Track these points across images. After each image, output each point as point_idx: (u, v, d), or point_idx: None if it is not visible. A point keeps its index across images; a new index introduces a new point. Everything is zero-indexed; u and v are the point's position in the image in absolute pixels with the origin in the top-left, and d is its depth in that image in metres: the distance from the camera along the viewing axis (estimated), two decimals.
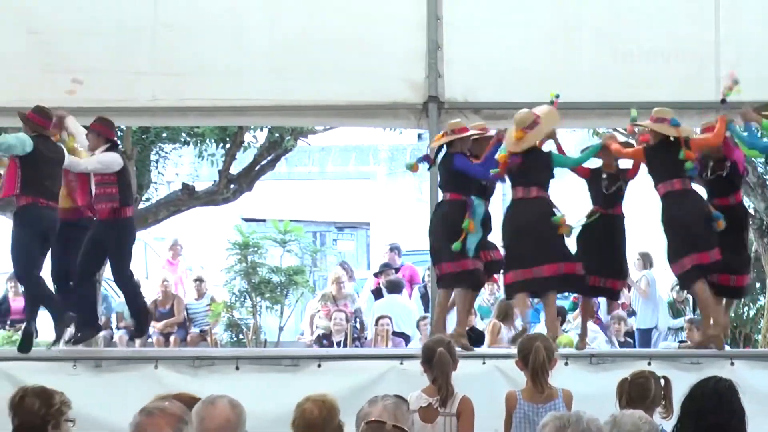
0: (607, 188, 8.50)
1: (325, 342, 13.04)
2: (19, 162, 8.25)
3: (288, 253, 14.39)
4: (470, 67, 9.44)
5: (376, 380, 7.73)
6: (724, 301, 8.71)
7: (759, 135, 8.55)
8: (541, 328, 9.38)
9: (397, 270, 13.90)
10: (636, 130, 8.64)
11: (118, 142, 13.60)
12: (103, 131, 8.71)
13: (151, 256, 18.69)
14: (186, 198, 14.68)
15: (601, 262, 8.39)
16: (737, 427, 4.81)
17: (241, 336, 14.09)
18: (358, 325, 13.43)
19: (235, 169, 14.98)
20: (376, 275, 14.27)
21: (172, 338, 14.02)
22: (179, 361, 8.14)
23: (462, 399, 6.27)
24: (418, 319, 12.59)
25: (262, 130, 14.82)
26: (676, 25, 9.33)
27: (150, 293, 14.46)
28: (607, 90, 9.32)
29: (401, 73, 9.43)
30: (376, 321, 12.65)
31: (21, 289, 10.71)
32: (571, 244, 8.43)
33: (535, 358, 6.29)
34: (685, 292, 8.59)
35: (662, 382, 5.98)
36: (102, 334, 12.26)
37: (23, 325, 8.98)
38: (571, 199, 8.75)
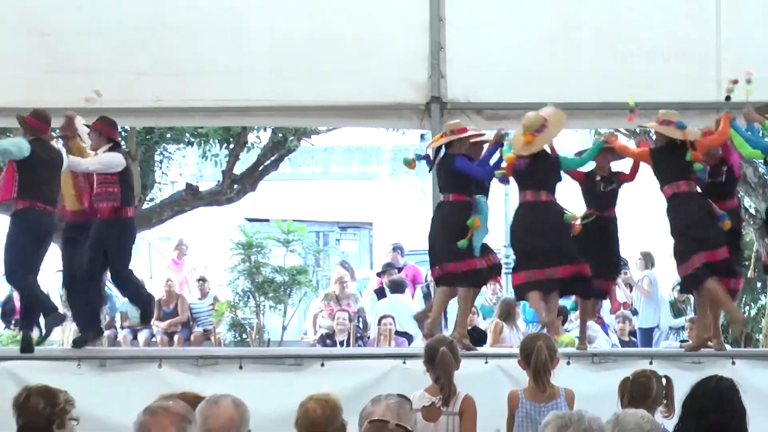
0: (604, 188, 8.55)
1: (328, 341, 13.06)
2: (17, 166, 8.25)
3: (291, 252, 14.42)
4: (472, 67, 9.45)
5: (379, 379, 7.75)
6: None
7: (761, 135, 8.59)
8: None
9: (399, 270, 13.92)
10: (637, 130, 8.69)
11: (122, 141, 13.75)
12: (105, 131, 8.71)
13: (155, 255, 18.72)
14: (190, 198, 14.70)
15: (596, 263, 8.42)
16: (738, 426, 4.84)
17: (244, 335, 14.11)
18: (361, 325, 13.46)
19: (238, 169, 15.00)
20: (378, 275, 14.28)
21: (175, 338, 14.05)
22: (183, 360, 8.16)
23: (464, 398, 6.28)
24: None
25: (265, 130, 14.83)
26: (677, 25, 9.34)
27: (154, 293, 14.51)
28: (608, 90, 9.33)
29: (404, 73, 9.45)
30: (379, 320, 12.66)
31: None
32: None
33: (538, 358, 6.30)
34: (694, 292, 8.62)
35: (664, 381, 5.97)
36: (106, 333, 12.30)
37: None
38: (563, 202, 8.75)
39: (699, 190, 8.41)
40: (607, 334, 12.78)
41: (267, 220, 17.27)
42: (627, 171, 8.88)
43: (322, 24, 9.41)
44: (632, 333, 13.64)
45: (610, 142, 8.73)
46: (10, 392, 5.17)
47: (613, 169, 8.82)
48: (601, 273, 8.54)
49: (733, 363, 7.94)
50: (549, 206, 8.33)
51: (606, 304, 13.66)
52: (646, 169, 8.65)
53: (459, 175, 8.38)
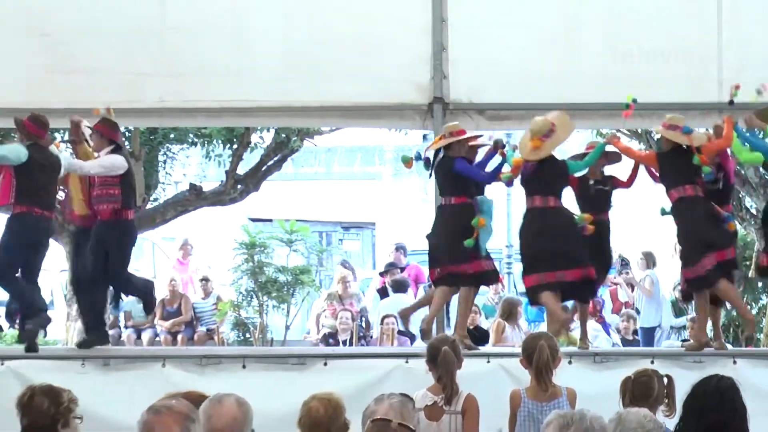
0: (596, 191, 8.59)
1: (331, 341, 13.07)
2: (14, 171, 8.24)
3: (294, 252, 14.44)
4: (475, 68, 9.48)
5: (382, 379, 7.75)
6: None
7: (763, 138, 8.62)
8: (543, 326, 9.44)
9: (402, 269, 13.92)
10: (639, 130, 8.72)
11: (126, 142, 13.77)
12: (106, 133, 8.69)
13: (158, 255, 18.77)
14: (193, 198, 14.75)
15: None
16: (739, 425, 4.85)
17: (247, 335, 14.14)
18: (363, 324, 13.48)
19: (242, 169, 15.05)
20: (381, 274, 14.29)
21: (179, 337, 14.08)
22: (187, 359, 8.16)
23: (467, 397, 6.28)
24: (423, 318, 12.61)
25: (268, 131, 14.87)
26: (679, 25, 9.36)
27: (158, 293, 14.55)
28: (610, 91, 9.33)
29: (406, 74, 9.47)
30: (382, 320, 12.68)
31: None
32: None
33: (540, 357, 6.30)
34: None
35: (665, 380, 5.99)
36: (110, 332, 12.32)
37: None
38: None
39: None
40: (608, 333, 12.79)
41: (270, 220, 17.27)
42: (621, 176, 8.92)
43: (325, 25, 9.44)
44: (636, 332, 13.67)
45: (614, 143, 8.75)
46: (15, 391, 5.13)
47: (606, 173, 8.86)
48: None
49: (734, 362, 7.96)
50: (557, 211, 8.36)
51: (607, 303, 13.72)
52: (644, 172, 8.68)
53: (459, 178, 8.40)
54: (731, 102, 8.48)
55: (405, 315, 9.26)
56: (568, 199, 8.78)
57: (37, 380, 5.52)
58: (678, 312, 13.89)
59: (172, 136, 15.03)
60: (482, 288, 9.83)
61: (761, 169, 13.07)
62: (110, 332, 12.25)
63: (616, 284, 14.73)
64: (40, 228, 8.34)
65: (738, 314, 9.14)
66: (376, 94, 9.49)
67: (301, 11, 9.48)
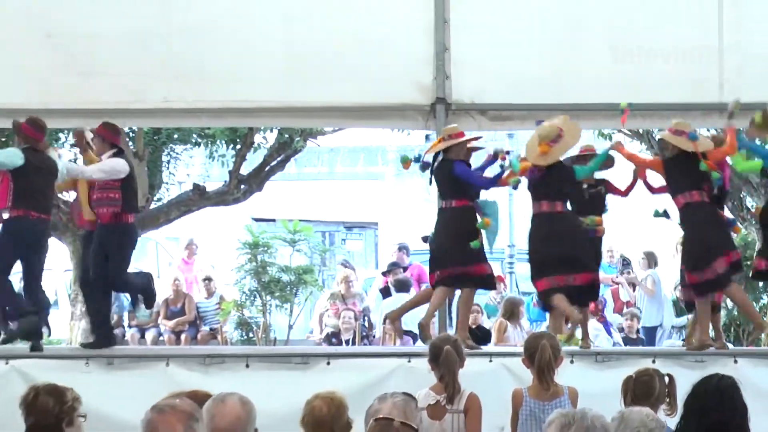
0: (589, 195, 8.62)
1: (334, 340, 13.12)
2: (11, 174, 8.24)
3: (297, 252, 14.48)
4: (477, 69, 9.48)
5: (385, 378, 7.75)
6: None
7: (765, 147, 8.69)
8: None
9: (405, 269, 13.94)
10: (641, 131, 8.73)
11: (130, 143, 13.80)
12: (108, 136, 8.69)
13: (162, 255, 18.80)
14: (197, 198, 14.79)
15: None
16: (740, 424, 4.85)
17: (251, 334, 14.18)
18: (366, 324, 13.52)
19: (245, 169, 15.09)
20: (384, 274, 14.30)
21: (183, 336, 14.12)
22: (190, 358, 8.16)
23: (469, 396, 6.30)
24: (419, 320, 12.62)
25: (272, 131, 14.91)
26: (680, 26, 9.35)
27: (161, 292, 14.59)
28: (613, 91, 9.34)
29: (409, 75, 9.48)
30: (385, 319, 12.70)
31: None
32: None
33: (542, 356, 6.31)
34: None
35: (666, 379, 5.99)
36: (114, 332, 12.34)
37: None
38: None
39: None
40: (610, 333, 12.81)
41: (273, 220, 17.33)
42: (620, 182, 8.93)
43: (327, 26, 9.44)
44: (639, 330, 13.69)
45: (618, 150, 8.75)
46: (19, 390, 5.11)
47: (599, 177, 8.89)
48: None
49: (735, 361, 7.96)
50: (564, 216, 8.39)
51: (609, 303, 13.74)
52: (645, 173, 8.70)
53: (458, 181, 8.42)
54: (731, 115, 8.47)
55: (393, 319, 9.24)
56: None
57: (42, 379, 5.52)
58: (679, 312, 13.91)
59: (175, 136, 15.07)
60: None
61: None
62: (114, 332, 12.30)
63: (617, 284, 14.77)
64: (36, 231, 8.34)
65: (743, 315, 9.15)
66: (379, 95, 9.49)
67: (304, 12, 9.48)
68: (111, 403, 7.44)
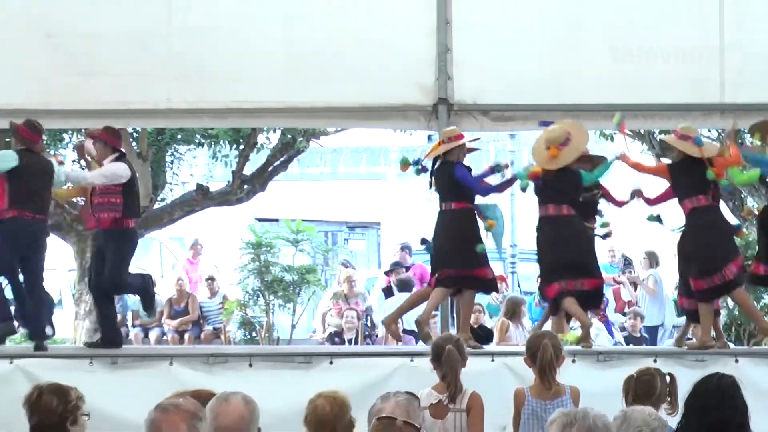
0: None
1: (336, 339, 13.14)
2: (6, 176, 8.25)
3: (300, 252, 14.51)
4: (479, 69, 9.49)
5: (387, 377, 7.76)
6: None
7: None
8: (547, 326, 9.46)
9: (407, 269, 13.97)
10: (642, 131, 8.74)
11: (134, 143, 13.84)
12: (110, 141, 8.69)
13: (165, 255, 18.83)
14: (200, 198, 14.83)
15: None
16: (740, 423, 4.85)
17: (254, 334, 14.20)
18: (369, 323, 13.54)
19: (248, 169, 15.12)
20: (386, 274, 14.33)
21: (186, 336, 14.15)
22: (194, 358, 8.17)
23: (472, 395, 6.31)
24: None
25: (275, 131, 14.94)
26: (681, 27, 9.35)
27: (165, 292, 14.63)
28: (614, 92, 9.37)
29: (411, 75, 9.49)
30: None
31: None
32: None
33: (543, 356, 6.32)
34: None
35: (668, 379, 6.01)
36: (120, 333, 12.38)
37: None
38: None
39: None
40: (611, 332, 12.81)
41: (276, 220, 17.36)
42: (617, 182, 8.97)
43: (330, 27, 9.45)
44: (642, 330, 13.70)
45: (624, 161, 8.76)
46: (24, 389, 5.13)
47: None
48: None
49: (737, 361, 7.97)
50: (570, 220, 8.40)
51: (611, 302, 13.73)
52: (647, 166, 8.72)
53: (458, 184, 8.42)
54: (730, 136, 8.46)
55: (389, 323, 9.24)
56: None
57: (46, 379, 5.54)
58: (680, 311, 13.91)
59: (179, 136, 15.12)
60: None
61: None
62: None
63: (619, 283, 14.78)
64: (32, 231, 8.34)
65: (749, 318, 9.17)
66: (381, 95, 9.50)
67: (307, 13, 9.49)
68: (115, 402, 7.44)
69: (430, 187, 8.70)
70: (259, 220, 18.48)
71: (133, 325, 14.50)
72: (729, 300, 10.21)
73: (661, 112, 9.70)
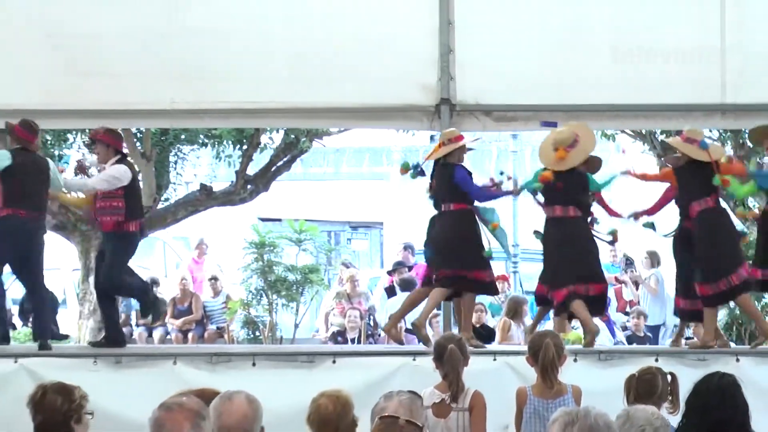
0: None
1: (339, 339, 13.16)
2: (0, 176, 8.29)
3: (303, 252, 14.53)
4: (481, 70, 9.53)
5: (390, 376, 7.76)
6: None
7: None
8: (549, 325, 9.48)
9: (410, 268, 13.98)
10: (643, 131, 8.74)
11: (138, 143, 13.86)
12: (112, 143, 8.72)
13: (169, 254, 18.86)
14: (204, 198, 14.86)
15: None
16: (741, 422, 4.88)
17: (257, 333, 14.23)
18: (371, 323, 13.56)
19: (251, 170, 15.15)
20: (389, 273, 14.35)
21: (190, 335, 14.18)
22: (197, 357, 8.18)
23: (474, 394, 6.32)
24: (430, 316, 12.66)
25: (278, 131, 14.96)
26: (683, 27, 9.39)
27: (169, 291, 14.66)
28: (616, 93, 9.40)
29: (414, 76, 9.53)
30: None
31: None
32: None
33: (545, 355, 6.34)
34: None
35: (669, 378, 6.02)
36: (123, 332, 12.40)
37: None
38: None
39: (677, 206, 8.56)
40: (612, 331, 12.81)
41: (279, 220, 17.35)
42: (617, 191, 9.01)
43: (333, 27, 9.48)
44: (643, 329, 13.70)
45: (630, 174, 8.79)
46: (28, 388, 5.15)
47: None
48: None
49: (737, 360, 7.97)
50: (576, 221, 8.44)
51: (612, 302, 13.72)
52: (648, 166, 8.73)
53: (458, 185, 8.44)
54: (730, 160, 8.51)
55: (389, 329, 9.24)
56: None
57: (50, 378, 5.54)
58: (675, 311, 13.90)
59: (182, 137, 15.14)
60: None
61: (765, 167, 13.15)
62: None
63: (621, 282, 14.79)
64: (26, 229, 8.36)
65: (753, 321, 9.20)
66: (384, 96, 9.54)
67: (310, 14, 9.53)
68: (119, 401, 7.47)
69: (430, 189, 8.70)
70: (263, 219, 18.47)
71: (137, 325, 14.53)
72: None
73: (662, 113, 9.73)
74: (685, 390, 5.23)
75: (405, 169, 8.83)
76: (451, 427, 6.24)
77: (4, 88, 9.52)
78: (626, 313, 14.47)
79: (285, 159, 15.26)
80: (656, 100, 9.30)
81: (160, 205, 14.90)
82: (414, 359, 7.93)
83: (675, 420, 5.26)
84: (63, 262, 15.51)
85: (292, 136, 14.91)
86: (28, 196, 8.37)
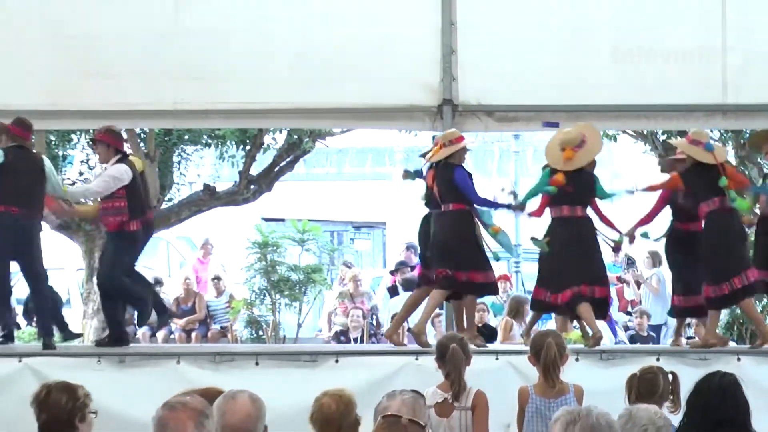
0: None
1: (342, 338, 13.17)
2: None
3: (306, 251, 14.53)
4: (483, 70, 9.54)
5: (392, 375, 7.78)
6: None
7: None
8: (550, 325, 9.50)
9: (412, 268, 13.98)
10: (645, 131, 8.74)
11: (141, 143, 13.88)
12: (113, 143, 8.72)
13: (173, 254, 18.88)
14: (207, 198, 14.88)
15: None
16: (742, 421, 4.87)
17: (260, 332, 14.24)
18: (374, 322, 13.58)
19: (255, 170, 15.17)
20: (392, 273, 14.36)
21: (193, 335, 14.19)
22: (201, 356, 8.21)
23: (476, 393, 6.34)
24: (432, 315, 12.67)
25: (281, 132, 14.98)
26: (684, 28, 9.39)
27: (173, 291, 14.68)
28: (618, 93, 9.40)
29: (416, 76, 9.54)
30: (392, 318, 12.75)
31: None
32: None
33: (547, 354, 6.36)
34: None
35: (670, 377, 6.03)
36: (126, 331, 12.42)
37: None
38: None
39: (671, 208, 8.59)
40: (614, 330, 12.81)
41: (283, 220, 17.37)
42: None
43: (336, 28, 9.49)
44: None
45: (638, 191, 8.80)
46: (32, 388, 5.11)
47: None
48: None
49: (738, 359, 7.99)
50: (583, 222, 8.46)
51: (614, 301, 13.70)
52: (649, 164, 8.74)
53: (458, 187, 8.44)
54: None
55: (390, 335, 9.22)
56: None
57: (54, 377, 5.54)
58: (671, 311, 13.90)
59: (186, 137, 15.16)
60: None
61: (765, 168, 13.15)
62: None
63: (623, 282, 14.79)
64: (20, 226, 8.35)
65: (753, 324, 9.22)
66: (387, 97, 9.55)
67: (312, 15, 9.54)
68: (122, 400, 7.49)
69: (428, 190, 8.66)
70: (266, 219, 18.49)
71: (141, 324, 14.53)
72: None
73: (664, 113, 9.73)
74: (686, 389, 5.21)
75: (406, 174, 8.84)
76: (454, 427, 6.25)
77: (6, 88, 9.54)
78: (628, 313, 14.49)
79: (288, 159, 15.28)
80: (657, 101, 9.31)
81: (163, 205, 14.92)
82: (416, 359, 7.96)
83: (676, 419, 5.25)
84: (67, 261, 15.53)
85: (295, 137, 14.93)
86: (23, 194, 8.36)
